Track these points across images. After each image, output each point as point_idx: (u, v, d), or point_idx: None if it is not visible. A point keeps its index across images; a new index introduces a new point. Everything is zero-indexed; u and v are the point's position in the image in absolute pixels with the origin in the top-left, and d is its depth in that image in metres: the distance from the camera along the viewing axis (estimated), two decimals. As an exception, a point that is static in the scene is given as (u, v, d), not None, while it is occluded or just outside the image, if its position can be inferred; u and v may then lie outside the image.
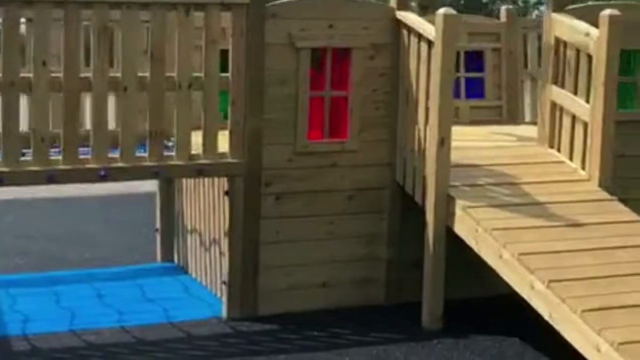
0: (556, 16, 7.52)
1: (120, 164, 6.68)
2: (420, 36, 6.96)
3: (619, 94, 7.47)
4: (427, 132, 6.90)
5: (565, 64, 7.46)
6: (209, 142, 6.87)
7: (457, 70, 8.97)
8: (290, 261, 7.16)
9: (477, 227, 6.50)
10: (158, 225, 8.49)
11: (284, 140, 7.05)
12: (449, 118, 6.80)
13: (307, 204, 7.16)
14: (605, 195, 7.01)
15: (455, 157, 7.27)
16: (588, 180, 7.17)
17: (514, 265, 6.13)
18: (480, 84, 9.22)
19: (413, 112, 7.08)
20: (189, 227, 8.11)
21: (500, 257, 6.25)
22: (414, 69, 7.06)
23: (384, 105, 7.28)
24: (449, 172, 6.82)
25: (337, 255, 7.28)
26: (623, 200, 7.00)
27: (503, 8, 9.77)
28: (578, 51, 7.31)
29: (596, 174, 7.12)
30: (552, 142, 7.64)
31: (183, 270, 8.23)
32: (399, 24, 7.18)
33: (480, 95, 9.23)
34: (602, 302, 5.66)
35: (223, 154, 6.91)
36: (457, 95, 8.93)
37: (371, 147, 7.28)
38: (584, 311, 5.54)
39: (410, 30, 7.08)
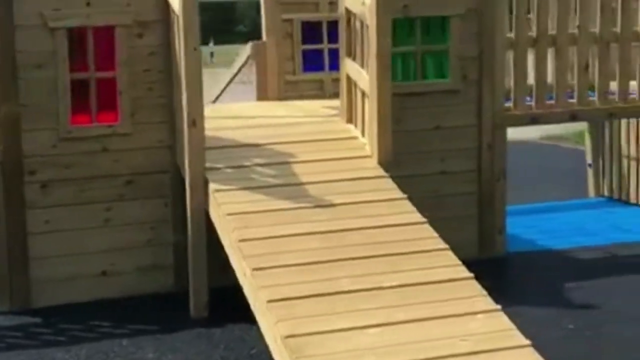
0: (348, -16, 7.00)
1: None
2: (173, 11, 6.52)
3: (403, 65, 6.99)
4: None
5: (354, 36, 6.94)
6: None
7: (320, 41, 8.57)
8: (65, 251, 6.78)
9: (218, 211, 6.05)
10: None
11: (45, 125, 6.66)
12: (198, 97, 6.32)
13: (78, 191, 6.77)
14: (379, 172, 6.48)
15: (242, 135, 6.87)
16: (371, 156, 6.65)
17: (234, 251, 5.67)
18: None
19: (177, 92, 6.64)
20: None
21: (230, 243, 5.80)
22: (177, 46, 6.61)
23: (159, 86, 6.84)
24: (203, 153, 6.35)
25: (118, 242, 6.88)
26: (398, 177, 6.49)
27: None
28: (362, 21, 6.79)
29: (376, 149, 6.61)
30: (350, 117, 7.12)
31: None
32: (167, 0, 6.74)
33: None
34: (298, 290, 5.15)
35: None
36: (320, 67, 8.55)
37: (147, 129, 6.85)
38: (269, 301, 5.05)
39: (168, 5, 6.64)
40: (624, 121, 9.13)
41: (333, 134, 7.01)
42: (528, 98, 7.68)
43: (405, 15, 7.19)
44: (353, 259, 5.50)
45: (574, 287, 6.80)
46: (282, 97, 8.67)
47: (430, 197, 7.42)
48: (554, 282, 6.96)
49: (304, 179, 6.34)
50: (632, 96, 7.86)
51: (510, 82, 7.59)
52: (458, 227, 7.47)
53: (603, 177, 9.84)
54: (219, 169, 6.42)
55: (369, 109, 6.65)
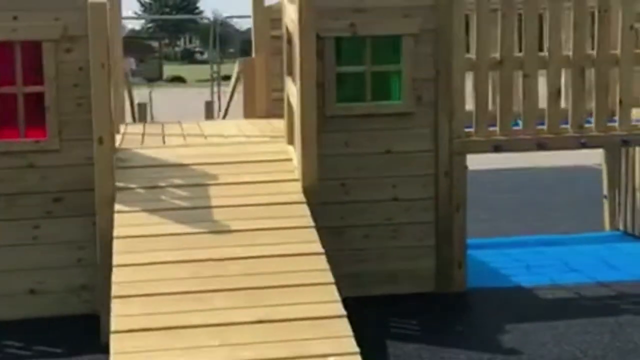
0: (286, 1, 6.65)
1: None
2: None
3: (353, 86, 6.61)
4: (105, 130, 6.21)
5: (293, 55, 6.57)
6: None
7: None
8: (-8, 267, 6.63)
9: (113, 233, 5.77)
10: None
11: (-28, 139, 6.54)
12: (105, 116, 6.07)
13: (4, 207, 6.59)
14: (296, 198, 6.09)
15: (173, 155, 6.60)
16: (298, 180, 6.27)
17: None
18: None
19: (99, 108, 6.40)
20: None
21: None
22: (100, 61, 6.36)
23: (88, 101, 6.56)
24: (111, 172, 6.10)
25: (46, 260, 6.67)
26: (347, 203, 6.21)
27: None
28: (295, 39, 6.43)
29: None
30: (290, 138, 6.76)
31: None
32: (96, 14, 6.50)
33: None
34: (148, 322, 4.83)
35: None
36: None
37: (75, 146, 6.61)
38: (114, 332, 4.77)
39: (95, 20, 6.40)
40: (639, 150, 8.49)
41: (270, 155, 6.66)
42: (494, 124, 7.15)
43: (353, 34, 6.77)
44: (220, 290, 5.14)
45: (509, 330, 6.23)
46: (269, 114, 8.40)
47: (383, 225, 7.01)
48: (489, 324, 6.38)
49: (214, 202, 6.01)
50: (613, 124, 7.24)
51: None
52: (413, 258, 7.06)
53: (619, 209, 9.16)
54: (131, 188, 6.14)
55: (295, 131, 6.28)
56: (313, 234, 5.70)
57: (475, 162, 8.09)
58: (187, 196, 6.09)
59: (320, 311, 4.97)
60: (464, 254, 7.14)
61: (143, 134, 7.68)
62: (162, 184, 6.22)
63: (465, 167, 7.11)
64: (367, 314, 6.55)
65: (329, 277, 5.28)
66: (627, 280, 7.37)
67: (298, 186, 6.20)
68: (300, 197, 6.08)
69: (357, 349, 4.65)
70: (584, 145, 7.20)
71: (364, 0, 6.78)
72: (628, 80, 7.16)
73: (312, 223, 5.82)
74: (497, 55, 7.00)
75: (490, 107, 7.14)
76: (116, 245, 5.53)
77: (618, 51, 7.13)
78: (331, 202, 6.91)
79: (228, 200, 6.04)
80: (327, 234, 6.81)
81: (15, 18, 6.46)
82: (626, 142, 7.24)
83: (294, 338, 4.74)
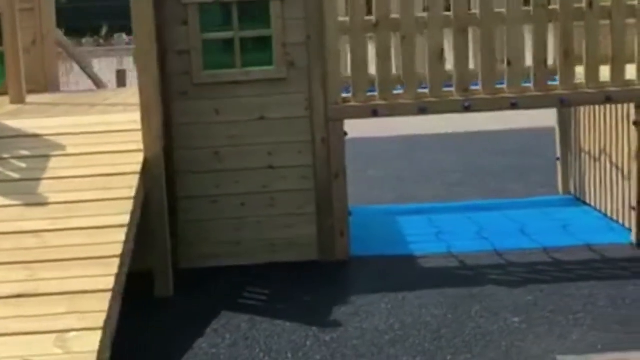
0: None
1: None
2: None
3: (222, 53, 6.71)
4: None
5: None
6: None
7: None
8: None
9: None
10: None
11: None
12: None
13: None
14: (129, 169, 5.98)
15: (35, 125, 6.62)
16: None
17: None
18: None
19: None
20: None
21: None
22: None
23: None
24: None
25: None
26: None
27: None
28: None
29: (142, 144, 6.12)
30: (153, 106, 6.62)
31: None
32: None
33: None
34: None
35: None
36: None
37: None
38: None
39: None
40: (586, 112, 8.02)
41: (131, 124, 6.52)
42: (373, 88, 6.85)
43: (215, 0, 6.57)
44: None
45: (351, 301, 5.99)
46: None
47: (260, 192, 6.83)
48: (339, 294, 6.14)
49: (47, 174, 5.94)
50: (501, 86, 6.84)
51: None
52: (293, 226, 6.86)
53: (570, 173, 8.72)
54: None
55: (140, 100, 6.15)
56: (127, 206, 5.57)
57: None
58: (24, 168, 6.04)
59: (87, 285, 4.86)
60: (346, 222, 6.89)
61: (50, 105, 7.68)
62: (6, 155, 6.18)
63: (344, 134, 6.85)
64: (222, 284, 6.45)
65: (117, 250, 5.15)
66: (535, 247, 7.03)
67: (140, 157, 6.08)
68: (134, 167, 5.95)
69: (100, 325, 4.54)
70: (467, 109, 6.83)
71: (227, -36, 6.58)
72: (515, 39, 6.74)
73: (132, 194, 5.69)
74: (373, 17, 6.69)
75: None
76: None
77: (504, 10, 6.72)
78: (205, 170, 6.80)
79: (63, 171, 5.96)
80: (203, 203, 6.77)
81: None
82: (514, 105, 6.82)
83: (44, 313, 4.66)
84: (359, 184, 9.01)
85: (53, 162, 6.08)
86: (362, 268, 6.76)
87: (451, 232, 7.59)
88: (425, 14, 6.71)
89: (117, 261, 5.06)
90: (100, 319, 4.58)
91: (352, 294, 6.15)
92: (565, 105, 7.02)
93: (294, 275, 6.61)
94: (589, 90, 6.79)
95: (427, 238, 7.48)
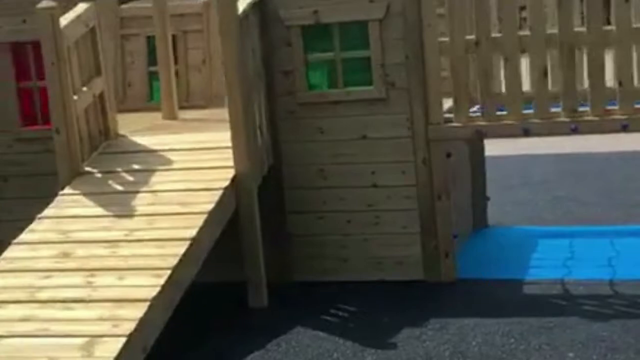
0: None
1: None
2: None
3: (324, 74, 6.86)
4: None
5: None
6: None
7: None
8: None
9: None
10: None
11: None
12: (60, 109, 6.49)
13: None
14: (215, 185, 6.23)
15: (153, 141, 7.01)
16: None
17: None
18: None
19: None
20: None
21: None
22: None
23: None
24: (67, 159, 6.58)
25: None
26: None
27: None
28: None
29: (233, 161, 6.38)
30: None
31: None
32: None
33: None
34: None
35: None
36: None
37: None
38: None
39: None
40: None
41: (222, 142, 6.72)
42: (477, 108, 6.72)
43: (317, 22, 6.70)
44: (64, 270, 5.51)
45: (431, 324, 5.92)
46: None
47: (364, 211, 6.89)
48: (421, 316, 6.07)
49: (145, 188, 6.32)
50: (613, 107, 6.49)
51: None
52: (398, 245, 6.86)
53: None
54: (91, 173, 6.61)
55: (230, 119, 6.41)
56: (199, 220, 5.82)
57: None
58: (130, 181, 6.45)
59: (131, 294, 5.16)
60: (450, 243, 6.80)
61: (198, 120, 8.10)
62: (119, 169, 6.62)
63: (448, 155, 6.76)
64: (318, 297, 6.56)
65: (170, 263, 5.41)
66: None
67: (230, 173, 6.33)
68: (222, 183, 6.21)
69: (126, 333, 4.83)
70: (575, 131, 6.53)
71: (329, -13, 6.69)
72: (626, 58, 6.38)
73: (207, 209, 5.94)
74: (473, 36, 6.57)
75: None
76: (32, 224, 6.07)
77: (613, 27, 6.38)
78: (311, 187, 6.94)
79: (159, 185, 6.33)
80: (310, 218, 6.93)
81: (24, 21, 7.18)
82: (626, 127, 6.44)
83: (84, 317, 5.01)
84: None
85: (154, 177, 6.45)
86: (460, 291, 6.63)
87: (582, 259, 7.24)
88: (528, 32, 6.50)
89: (167, 273, 5.32)
90: (129, 327, 4.86)
91: (431, 316, 6.07)
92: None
93: (390, 294, 6.61)
94: None
95: (552, 263, 7.19)
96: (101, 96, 6.96)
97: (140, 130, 7.35)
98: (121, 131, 7.14)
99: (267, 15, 6.77)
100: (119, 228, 5.89)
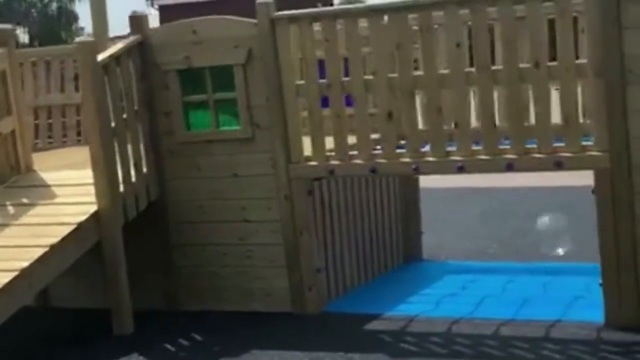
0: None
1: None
2: None
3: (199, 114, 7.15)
4: None
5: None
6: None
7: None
8: None
9: None
10: None
11: None
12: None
13: None
14: (69, 219, 6.65)
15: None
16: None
17: None
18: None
19: None
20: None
21: None
22: None
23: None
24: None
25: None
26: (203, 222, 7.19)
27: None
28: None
29: (93, 196, 6.80)
30: (141, 163, 7.25)
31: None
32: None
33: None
34: None
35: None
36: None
37: None
38: None
39: None
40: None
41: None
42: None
43: (190, 66, 7.04)
44: None
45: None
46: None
47: (237, 244, 7.17)
48: (255, 347, 6.30)
49: (9, 221, 6.83)
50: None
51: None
52: (268, 277, 7.11)
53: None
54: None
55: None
56: (30, 254, 6.21)
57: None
58: (7, 214, 6.95)
59: None
60: (313, 277, 6.97)
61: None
62: (8, 202, 7.14)
63: (309, 192, 6.94)
64: (175, 326, 6.89)
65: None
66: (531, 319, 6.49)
67: (91, 208, 6.76)
68: (74, 218, 6.63)
69: None
70: (415, 171, 6.60)
71: (199, 33, 7.00)
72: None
73: (49, 242, 6.35)
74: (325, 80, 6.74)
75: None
76: None
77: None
78: (192, 221, 7.27)
79: (26, 219, 6.81)
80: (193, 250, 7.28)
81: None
82: (461, 169, 6.44)
83: None
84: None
85: (27, 210, 6.94)
86: (314, 323, 6.78)
87: (471, 295, 7.24)
88: (371, 77, 6.62)
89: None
90: None
91: (263, 348, 6.29)
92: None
93: (248, 324, 6.85)
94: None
95: (431, 299, 7.22)
96: (12, 134, 7.52)
97: (57, 167, 7.83)
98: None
99: (147, 60, 7.15)
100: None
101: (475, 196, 11.43)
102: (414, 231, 8.52)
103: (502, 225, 9.85)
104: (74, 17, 43.73)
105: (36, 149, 8.55)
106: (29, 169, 7.66)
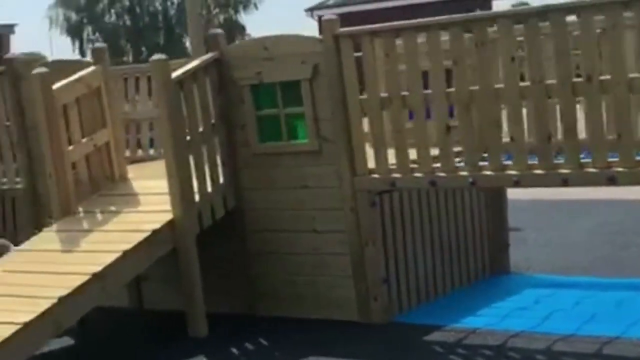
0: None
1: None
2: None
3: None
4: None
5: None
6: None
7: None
8: None
9: (24, 246, 7.42)
10: None
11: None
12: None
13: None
14: (145, 227, 6.99)
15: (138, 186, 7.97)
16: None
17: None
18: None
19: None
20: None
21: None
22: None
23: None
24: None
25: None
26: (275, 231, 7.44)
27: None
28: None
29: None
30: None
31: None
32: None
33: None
34: None
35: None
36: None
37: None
38: None
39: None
40: None
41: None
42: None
43: (261, 82, 7.27)
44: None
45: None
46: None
47: (309, 253, 7.35)
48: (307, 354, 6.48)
49: (95, 227, 7.24)
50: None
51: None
52: (336, 285, 7.26)
53: None
54: (77, 212, 7.64)
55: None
56: (105, 258, 6.61)
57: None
58: (97, 221, 7.36)
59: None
60: (379, 287, 7.08)
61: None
62: (97, 210, 7.59)
63: (373, 203, 7.04)
64: (256, 331, 7.15)
65: (48, 293, 6.25)
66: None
67: (167, 217, 7.10)
68: (150, 226, 6.98)
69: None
70: (472, 184, 6.59)
71: (270, 50, 7.23)
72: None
73: (123, 248, 6.71)
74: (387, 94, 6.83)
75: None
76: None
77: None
78: (268, 230, 7.51)
79: (109, 225, 7.21)
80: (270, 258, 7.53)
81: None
82: (517, 183, 6.40)
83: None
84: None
85: (114, 217, 7.36)
86: (377, 333, 6.87)
87: (540, 309, 7.16)
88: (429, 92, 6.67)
89: (40, 302, 6.16)
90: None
91: (318, 354, 6.46)
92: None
93: (318, 332, 7.01)
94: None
95: (502, 312, 7.18)
96: (106, 145, 7.98)
97: (151, 176, 8.21)
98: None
99: (223, 76, 7.44)
100: (40, 261, 6.84)
101: (588, 208, 11.20)
102: (501, 243, 8.46)
103: (603, 238, 9.61)
104: (240, 29, 44.64)
105: (136, 159, 9.02)
106: (123, 178, 8.08)
